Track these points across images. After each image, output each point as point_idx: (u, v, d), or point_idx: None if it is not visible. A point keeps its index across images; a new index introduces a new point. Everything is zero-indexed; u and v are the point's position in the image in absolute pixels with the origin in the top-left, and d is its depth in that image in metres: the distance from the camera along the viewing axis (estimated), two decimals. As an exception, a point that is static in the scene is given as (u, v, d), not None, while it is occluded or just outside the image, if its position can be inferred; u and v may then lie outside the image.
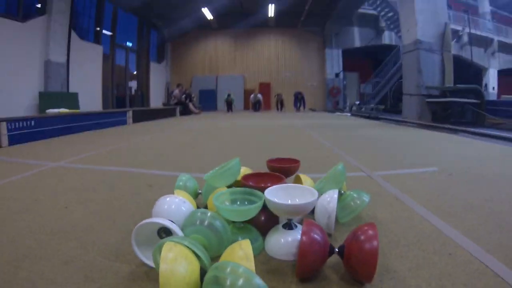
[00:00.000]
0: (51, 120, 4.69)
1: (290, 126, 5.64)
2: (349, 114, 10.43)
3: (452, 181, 1.78)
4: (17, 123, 4.04)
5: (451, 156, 2.55)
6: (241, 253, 0.70)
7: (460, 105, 6.85)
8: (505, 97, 8.06)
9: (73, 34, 9.54)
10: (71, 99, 8.96)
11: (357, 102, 14.15)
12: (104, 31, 11.74)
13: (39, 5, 8.62)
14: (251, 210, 0.91)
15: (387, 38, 16.63)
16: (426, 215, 1.25)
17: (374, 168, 2.08)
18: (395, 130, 5.04)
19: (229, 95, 13.51)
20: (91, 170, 2.12)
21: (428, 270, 0.85)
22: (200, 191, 1.31)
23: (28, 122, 4.24)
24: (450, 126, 5.89)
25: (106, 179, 1.87)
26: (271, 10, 14.20)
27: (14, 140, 3.92)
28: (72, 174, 2.00)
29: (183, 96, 11.93)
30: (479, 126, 6.42)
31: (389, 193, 1.56)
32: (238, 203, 1.02)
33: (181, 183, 1.28)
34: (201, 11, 14.18)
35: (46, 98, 8.09)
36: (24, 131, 4.15)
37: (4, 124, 3.80)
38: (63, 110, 5.53)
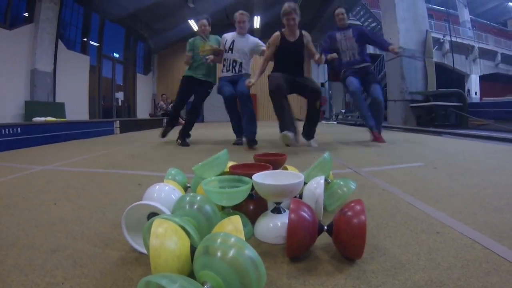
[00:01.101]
0: (38, 128, 4.63)
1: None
2: (335, 122, 10.55)
3: (437, 173, 1.83)
4: (3, 130, 3.98)
5: (436, 153, 2.62)
6: (231, 227, 0.71)
7: (443, 109, 7.03)
8: (486, 99, 8.28)
9: (60, 43, 9.49)
10: (58, 109, 8.85)
11: (343, 111, 14.32)
12: (91, 42, 11.70)
13: (26, 14, 8.56)
14: (240, 193, 0.92)
15: (371, 47, 16.99)
16: (413, 201, 1.29)
17: (361, 165, 2.12)
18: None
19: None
20: (79, 172, 2.10)
21: (417, 246, 0.87)
22: (189, 185, 1.31)
23: (15, 129, 4.19)
24: (435, 129, 6.02)
25: (95, 179, 1.86)
26: (256, 22, 14.37)
27: (0, 147, 3.87)
28: (61, 176, 1.98)
29: (169, 105, 11.91)
30: (462, 128, 6.59)
31: (376, 185, 1.59)
32: (227, 189, 1.03)
33: (170, 177, 1.28)
34: (187, 22, 14.26)
35: (32, 107, 7.97)
36: (11, 138, 4.10)
37: (-12, 131, 3.76)
38: (49, 119, 5.45)
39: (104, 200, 1.40)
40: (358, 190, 1.48)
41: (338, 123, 10.38)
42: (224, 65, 4.15)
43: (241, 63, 4.13)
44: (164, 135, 4.58)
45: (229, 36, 4.16)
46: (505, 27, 24.81)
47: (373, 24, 14.42)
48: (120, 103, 13.38)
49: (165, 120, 10.79)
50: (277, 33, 3.56)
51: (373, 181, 1.68)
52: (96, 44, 11.96)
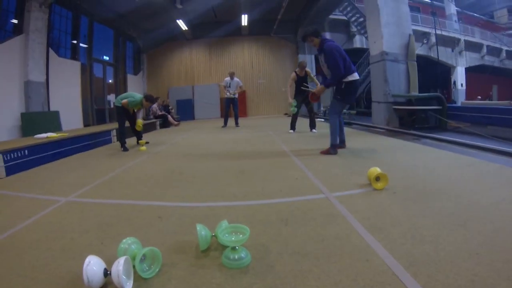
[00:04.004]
0: (42, 147, 4.89)
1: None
2: (322, 120, 10.83)
3: (394, 199, 2.20)
4: (12, 154, 4.23)
5: (402, 173, 2.95)
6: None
7: (423, 112, 7.45)
8: (465, 102, 8.73)
9: (51, 51, 9.57)
10: (53, 118, 9.02)
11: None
12: (81, 45, 11.77)
13: (15, 21, 8.59)
14: (240, 241, 1.36)
15: (358, 42, 17.39)
16: (362, 231, 1.68)
17: (332, 190, 2.50)
18: (363, 139, 5.54)
19: None
20: (103, 204, 2.43)
21: (348, 270, 1.29)
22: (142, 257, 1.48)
23: (22, 152, 4.45)
24: (415, 132, 6.45)
25: (120, 213, 2.20)
26: (244, 19, 14.56)
27: (10, 171, 4.10)
28: (89, 210, 2.30)
29: (162, 108, 12.11)
30: (441, 130, 7.04)
31: (338, 214, 1.98)
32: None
33: (125, 246, 1.48)
34: (176, 22, 14.38)
35: (28, 119, 8.14)
36: (19, 161, 4.35)
37: (0, 156, 4.01)
38: (50, 135, 5.69)
39: (134, 234, 1.70)
40: (322, 219, 1.91)
41: (325, 120, 10.71)
42: (226, 92, 9.43)
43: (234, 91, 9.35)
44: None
45: (227, 79, 9.41)
46: (492, 18, 25.40)
47: (360, 20, 14.74)
48: (112, 106, 13.53)
49: (158, 123, 11.05)
50: (293, 73, 7.10)
51: (338, 209, 2.06)
52: (86, 48, 12.03)
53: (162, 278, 1.32)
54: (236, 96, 9.48)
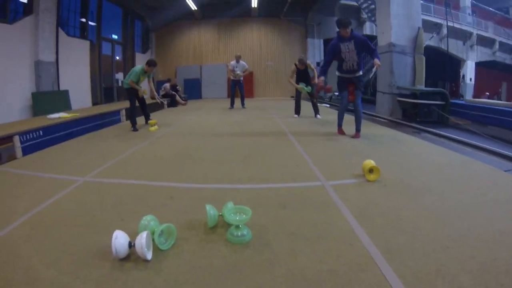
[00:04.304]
0: (56, 128, 5.13)
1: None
2: (328, 105, 10.95)
3: (383, 191, 2.41)
4: (28, 135, 4.47)
5: (396, 166, 3.12)
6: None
7: (426, 106, 7.56)
8: (469, 100, 8.79)
9: (60, 31, 9.67)
10: (62, 97, 9.22)
11: (336, 93, 14.65)
12: (90, 23, 11.83)
13: (25, 1, 8.67)
14: (243, 220, 1.65)
15: (368, 29, 17.16)
16: (350, 219, 1.91)
17: (329, 178, 2.71)
18: (365, 129, 5.66)
19: None
20: (119, 184, 2.67)
21: (331, 251, 1.55)
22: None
23: (38, 133, 4.68)
24: (416, 125, 6.61)
25: (136, 192, 2.45)
26: (254, 1, 14.51)
27: (26, 151, 4.34)
28: (106, 190, 2.54)
29: (170, 88, 12.32)
30: (442, 125, 7.17)
31: (331, 201, 2.20)
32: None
33: (146, 222, 1.71)
34: (185, 1, 14.37)
35: (39, 99, 8.32)
36: (34, 142, 4.59)
37: (17, 137, 4.25)
38: (63, 115, 5.93)
39: (150, 212, 1.88)
40: (317, 205, 2.13)
41: (330, 106, 10.83)
42: (232, 74, 9.74)
43: (239, 73, 9.49)
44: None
45: (233, 62, 9.68)
46: (507, 14, 24.85)
47: (371, 6, 14.54)
48: (120, 84, 13.70)
49: (166, 102, 11.25)
50: (294, 66, 7.26)
51: (331, 196, 2.28)
52: (95, 27, 12.08)
53: (176, 250, 1.57)
54: (242, 78, 9.71)
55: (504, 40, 21.74)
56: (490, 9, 23.64)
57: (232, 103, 9.94)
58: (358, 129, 4.80)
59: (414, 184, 2.59)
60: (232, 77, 9.74)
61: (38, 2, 8.58)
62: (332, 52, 4.63)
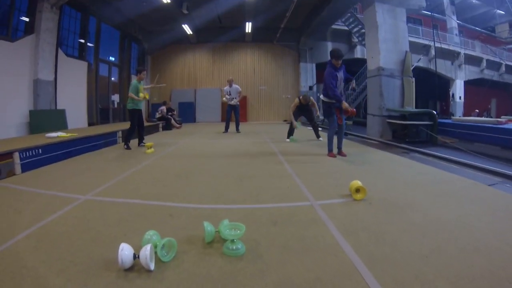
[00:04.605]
0: (55, 147, 5.24)
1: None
2: (320, 129, 11.10)
3: (368, 208, 2.57)
4: (28, 152, 4.59)
5: (382, 186, 3.29)
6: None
7: (415, 126, 7.84)
8: (456, 119, 9.11)
9: (59, 51, 9.88)
10: (59, 116, 9.36)
11: (326, 119, 14.95)
12: (89, 44, 12.11)
13: (26, 19, 8.89)
14: (238, 235, 1.80)
15: (359, 52, 17.65)
16: (336, 234, 2.06)
17: (317, 198, 2.86)
18: (355, 150, 5.93)
19: None
20: (120, 203, 2.79)
21: (317, 262, 1.69)
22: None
23: (37, 150, 4.80)
24: (405, 146, 6.84)
25: (137, 211, 2.56)
26: (248, 26, 14.97)
27: (25, 167, 4.46)
28: (108, 208, 2.65)
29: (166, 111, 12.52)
30: (431, 145, 7.43)
31: (319, 219, 2.35)
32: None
33: (148, 236, 1.85)
34: (181, 26, 14.77)
35: (36, 116, 8.45)
36: (34, 159, 4.70)
37: (17, 154, 4.36)
38: (61, 134, 6.06)
39: (151, 228, 2.01)
40: (305, 222, 2.28)
41: (322, 129, 11.01)
42: (228, 99, 9.69)
43: (233, 98, 9.61)
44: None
45: (226, 88, 9.76)
46: (493, 32, 25.83)
47: (362, 31, 15.05)
48: (115, 105, 13.89)
49: (161, 125, 11.43)
50: (297, 100, 7.57)
51: (319, 215, 2.44)
52: (93, 49, 12.36)
53: (177, 261, 1.71)
54: (238, 103, 9.85)
55: (491, 58, 22.55)
56: (477, 28, 24.61)
57: (227, 128, 10.00)
58: (340, 147, 5.35)
59: (399, 201, 2.76)
60: (228, 102, 9.78)
61: (40, 22, 8.81)
62: (335, 76, 4.97)
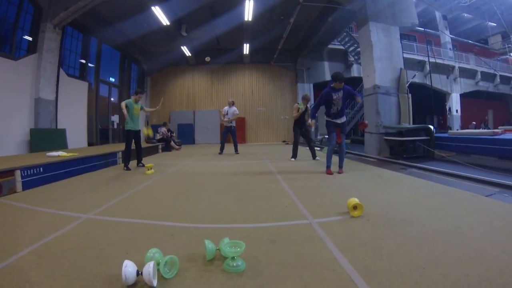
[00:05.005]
0: (55, 166, 5.30)
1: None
2: (318, 148, 11.21)
3: (366, 225, 2.60)
4: (29, 170, 4.65)
5: (379, 202, 3.34)
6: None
7: (412, 142, 7.94)
8: (452, 132, 9.22)
9: (61, 71, 10.08)
10: (60, 135, 9.45)
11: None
12: (89, 65, 12.33)
13: (29, 38, 9.09)
14: (238, 252, 1.85)
15: (356, 71, 17.98)
16: (333, 249, 2.10)
17: (316, 216, 2.90)
18: (353, 168, 6.04)
19: None
20: (121, 223, 2.82)
21: (313, 279, 1.71)
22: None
23: (38, 169, 4.86)
24: (403, 162, 6.92)
25: (138, 230, 2.59)
26: (246, 48, 15.29)
27: (26, 185, 4.53)
28: (109, 227, 2.68)
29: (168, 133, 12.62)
30: (429, 159, 7.52)
31: (317, 236, 2.38)
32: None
33: (151, 254, 1.90)
34: (180, 48, 15.06)
35: (37, 135, 8.55)
36: (34, 177, 4.76)
37: (18, 171, 4.42)
38: (61, 154, 6.12)
39: (154, 247, 2.04)
40: (303, 239, 2.31)
41: (320, 149, 11.10)
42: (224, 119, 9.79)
43: (229, 119, 9.73)
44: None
45: (226, 108, 9.90)
46: (486, 44, 26.33)
47: (358, 49, 15.35)
48: (115, 126, 14.01)
49: (160, 146, 11.50)
50: (296, 104, 7.74)
51: (317, 232, 2.47)
52: (93, 67, 12.57)
53: (178, 278, 1.74)
54: (233, 124, 9.99)
55: (485, 70, 23.00)
56: (470, 41, 25.16)
57: (222, 149, 10.10)
58: (341, 166, 5.53)
59: (396, 216, 2.81)
60: (224, 123, 9.95)
61: (42, 42, 9.05)
62: (325, 99, 5.38)
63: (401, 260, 1.90)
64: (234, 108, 9.91)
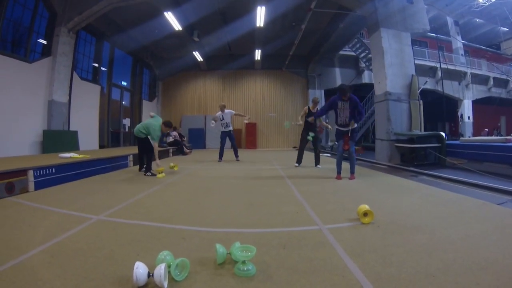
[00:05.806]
0: (67, 167, 5.37)
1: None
2: (328, 155, 11.15)
3: (376, 231, 2.58)
4: (41, 171, 4.72)
5: (389, 209, 3.31)
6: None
7: (423, 149, 7.86)
8: (463, 139, 9.10)
9: (74, 74, 10.28)
10: (72, 137, 9.60)
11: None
12: (102, 69, 12.55)
13: (44, 42, 9.30)
14: (249, 256, 1.85)
15: (367, 77, 17.87)
16: (343, 255, 2.08)
17: (326, 222, 2.88)
18: (364, 175, 6.03)
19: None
20: (132, 225, 2.84)
21: (323, 285, 1.70)
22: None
23: (51, 169, 4.93)
24: (414, 169, 6.85)
25: (149, 233, 2.61)
26: (257, 54, 15.36)
27: (38, 185, 4.59)
28: (120, 229, 2.71)
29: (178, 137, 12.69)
30: (440, 167, 7.43)
31: (327, 242, 2.37)
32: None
33: (162, 256, 1.90)
34: (192, 53, 15.20)
35: (49, 136, 8.70)
36: (46, 178, 4.83)
37: (31, 171, 4.50)
38: (73, 155, 6.20)
39: (164, 249, 2.05)
40: (314, 245, 2.31)
41: (331, 155, 11.05)
42: (221, 125, 9.38)
43: (227, 123, 9.34)
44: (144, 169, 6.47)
45: (219, 113, 9.38)
46: (498, 49, 25.82)
47: (369, 56, 15.24)
48: (126, 129, 14.17)
49: (171, 150, 11.57)
50: (306, 107, 7.64)
51: (328, 238, 2.46)
52: (106, 70, 12.77)
53: (189, 281, 1.75)
54: (232, 129, 9.43)
55: (498, 76, 22.54)
56: (482, 47, 24.69)
57: (221, 156, 9.48)
58: (352, 172, 5.60)
59: (407, 223, 2.78)
60: (222, 129, 9.36)
61: (56, 45, 9.29)
62: (330, 104, 5.64)
63: (411, 267, 1.87)
64: (228, 110, 9.33)
